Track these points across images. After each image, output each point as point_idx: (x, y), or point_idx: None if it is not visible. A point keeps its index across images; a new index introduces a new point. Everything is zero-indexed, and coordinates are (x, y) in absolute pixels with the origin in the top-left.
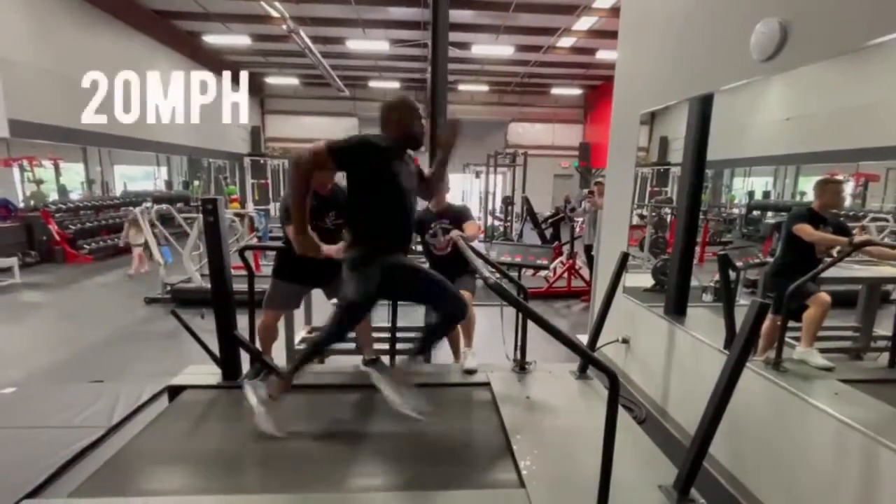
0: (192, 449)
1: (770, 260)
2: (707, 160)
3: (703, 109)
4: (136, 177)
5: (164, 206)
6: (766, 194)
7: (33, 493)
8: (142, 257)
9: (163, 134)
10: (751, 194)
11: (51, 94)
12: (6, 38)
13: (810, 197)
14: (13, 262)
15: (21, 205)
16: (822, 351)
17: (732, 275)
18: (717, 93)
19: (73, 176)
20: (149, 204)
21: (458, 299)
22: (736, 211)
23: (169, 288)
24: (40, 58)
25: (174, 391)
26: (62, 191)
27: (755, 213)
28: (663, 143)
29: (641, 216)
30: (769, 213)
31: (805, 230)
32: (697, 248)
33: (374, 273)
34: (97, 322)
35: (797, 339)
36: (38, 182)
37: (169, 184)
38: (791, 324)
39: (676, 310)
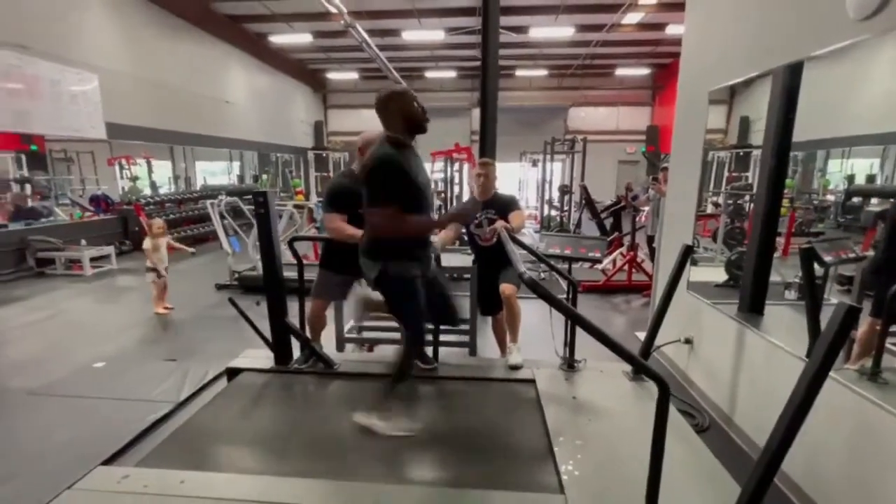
0: (242, 429)
1: (869, 254)
2: (795, 141)
3: (788, 82)
4: (216, 172)
5: (233, 198)
6: (871, 178)
7: (109, 461)
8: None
9: (237, 131)
10: (850, 178)
11: (140, 98)
12: (103, 49)
13: None
14: (111, 250)
15: (119, 199)
16: None
17: (820, 271)
18: (806, 62)
19: (164, 172)
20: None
21: (454, 310)
22: (831, 198)
23: (237, 275)
24: (131, 65)
25: (232, 373)
26: (153, 186)
27: (855, 199)
28: (744, 123)
29: (716, 204)
30: (873, 200)
31: None
32: (781, 240)
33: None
34: (176, 305)
35: None
36: (134, 178)
37: (241, 178)
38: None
39: (752, 307)
